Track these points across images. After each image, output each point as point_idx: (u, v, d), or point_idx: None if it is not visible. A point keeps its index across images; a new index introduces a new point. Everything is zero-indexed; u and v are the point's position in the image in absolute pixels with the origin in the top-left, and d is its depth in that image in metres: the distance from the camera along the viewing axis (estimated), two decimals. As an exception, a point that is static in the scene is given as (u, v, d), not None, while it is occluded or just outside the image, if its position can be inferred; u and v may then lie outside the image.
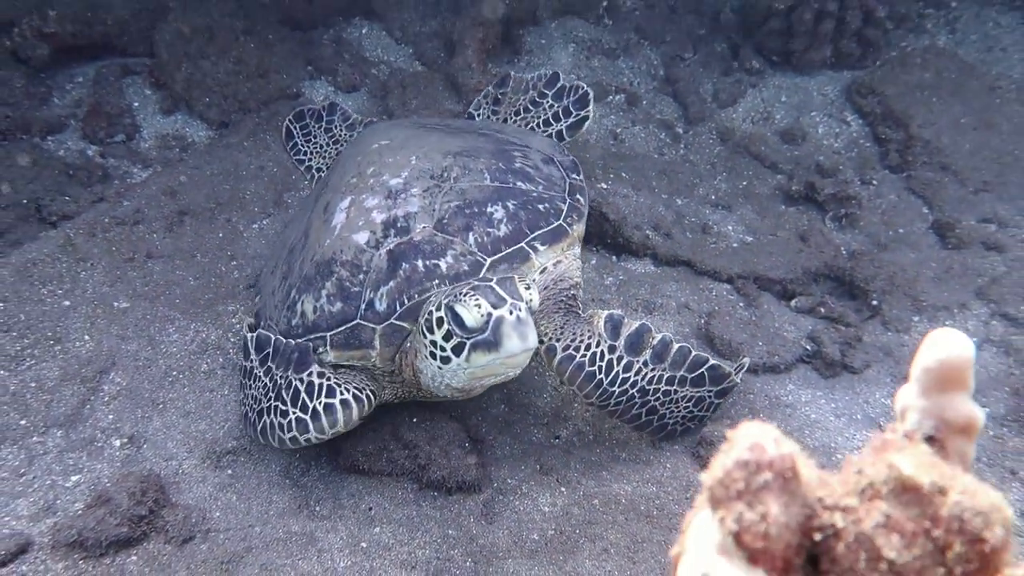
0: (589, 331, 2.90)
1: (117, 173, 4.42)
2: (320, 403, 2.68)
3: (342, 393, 2.70)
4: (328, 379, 2.74)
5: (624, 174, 4.71)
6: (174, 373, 3.25)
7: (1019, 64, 5.24)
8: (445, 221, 2.90)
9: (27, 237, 3.80)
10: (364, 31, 5.81)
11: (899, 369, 3.52)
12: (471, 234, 2.87)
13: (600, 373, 2.85)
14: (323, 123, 4.77)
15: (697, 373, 2.98)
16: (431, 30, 5.72)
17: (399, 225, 2.89)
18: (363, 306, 2.79)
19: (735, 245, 4.31)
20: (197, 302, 3.59)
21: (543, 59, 5.80)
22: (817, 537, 0.96)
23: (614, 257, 4.31)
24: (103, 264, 3.65)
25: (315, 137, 4.71)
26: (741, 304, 3.99)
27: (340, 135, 4.72)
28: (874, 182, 4.63)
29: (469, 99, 5.11)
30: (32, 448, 2.88)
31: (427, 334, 2.60)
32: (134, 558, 2.53)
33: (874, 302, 3.85)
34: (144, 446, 2.96)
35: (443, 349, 2.55)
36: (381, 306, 2.77)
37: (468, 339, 2.48)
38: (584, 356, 2.85)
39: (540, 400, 3.37)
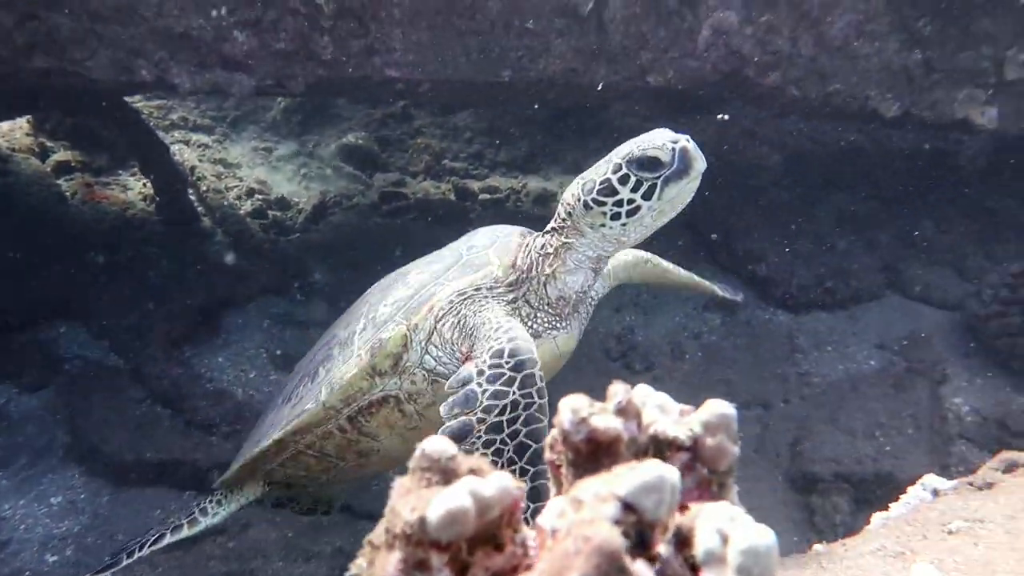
0: None
1: None
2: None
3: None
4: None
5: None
6: None
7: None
8: None
9: None
10: (62, 331, 5.97)
11: None
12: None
13: None
14: None
15: None
16: (129, 323, 6.00)
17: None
18: (464, 250, 2.90)
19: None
20: None
21: (239, 336, 6.28)
22: None
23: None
24: None
25: None
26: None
27: None
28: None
29: (152, 387, 5.35)
30: None
31: (606, 200, 2.58)
32: None
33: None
34: None
35: (631, 202, 2.55)
36: (483, 241, 2.92)
37: (659, 177, 2.50)
38: None
39: None
